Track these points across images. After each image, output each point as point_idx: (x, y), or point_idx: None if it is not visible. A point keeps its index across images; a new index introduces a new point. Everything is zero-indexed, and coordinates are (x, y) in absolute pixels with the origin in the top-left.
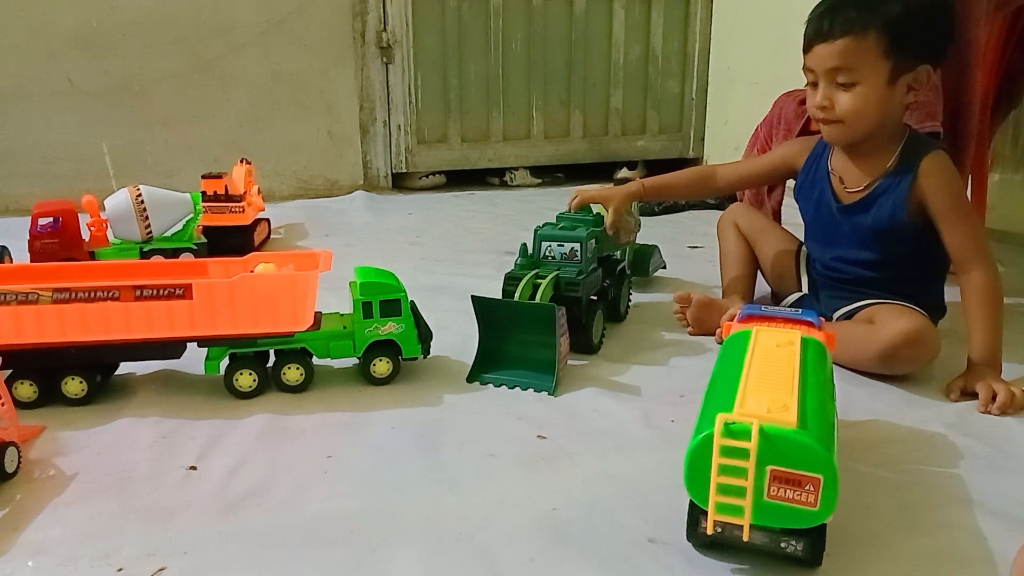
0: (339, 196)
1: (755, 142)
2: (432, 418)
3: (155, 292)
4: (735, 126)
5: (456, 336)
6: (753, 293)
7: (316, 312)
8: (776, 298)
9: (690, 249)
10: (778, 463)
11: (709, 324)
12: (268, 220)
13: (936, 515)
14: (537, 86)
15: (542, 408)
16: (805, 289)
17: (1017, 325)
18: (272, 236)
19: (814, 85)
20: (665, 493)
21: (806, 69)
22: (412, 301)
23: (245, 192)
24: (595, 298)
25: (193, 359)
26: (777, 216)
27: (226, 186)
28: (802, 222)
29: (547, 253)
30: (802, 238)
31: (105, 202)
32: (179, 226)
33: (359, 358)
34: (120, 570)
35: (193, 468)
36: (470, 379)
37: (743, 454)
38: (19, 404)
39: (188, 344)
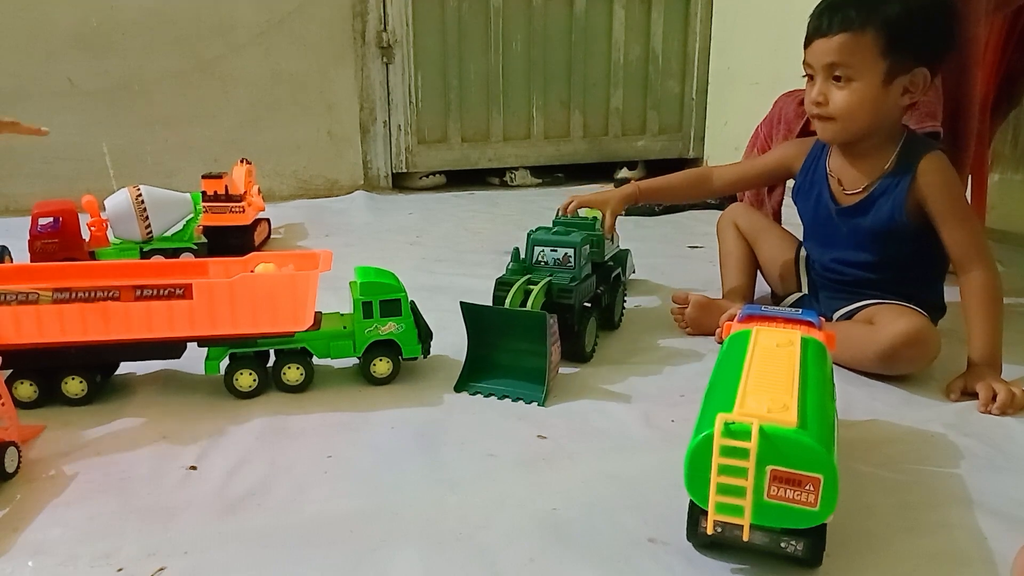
0: (339, 196)
1: (755, 142)
2: (432, 418)
3: (155, 292)
4: (735, 126)
5: (456, 336)
6: (753, 293)
7: (316, 312)
8: (776, 298)
9: (690, 249)
10: (778, 463)
11: (707, 325)
12: (268, 220)
13: (936, 515)
14: (537, 86)
15: (542, 408)
16: (805, 289)
17: (1017, 325)
18: (272, 236)
19: (811, 80)
20: (665, 493)
21: (805, 64)
22: (412, 301)
23: (245, 192)
24: (588, 305)
25: (193, 359)
26: (777, 216)
27: (226, 186)
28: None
29: (540, 258)
30: (801, 238)
31: (105, 202)
32: (179, 226)
33: (359, 358)
34: (120, 570)
35: (193, 468)
36: (458, 388)
37: (743, 454)
38: (19, 404)
39: (188, 344)
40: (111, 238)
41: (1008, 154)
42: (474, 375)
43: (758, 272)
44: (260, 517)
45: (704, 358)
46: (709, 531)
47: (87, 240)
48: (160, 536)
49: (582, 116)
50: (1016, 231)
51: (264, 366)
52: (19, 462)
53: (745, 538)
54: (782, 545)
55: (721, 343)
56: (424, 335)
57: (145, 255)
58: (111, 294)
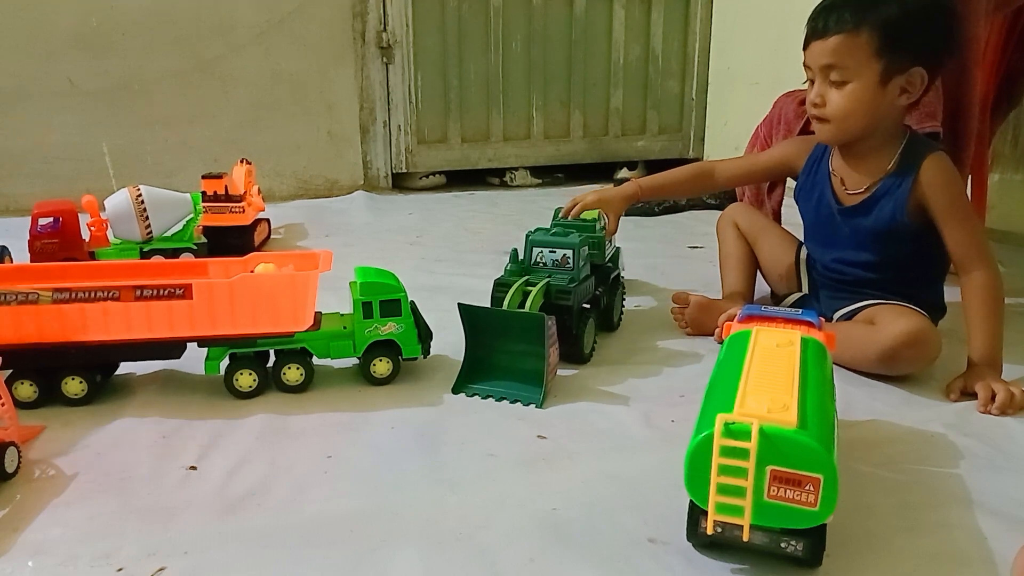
0: (339, 196)
1: (755, 142)
2: (432, 418)
3: (155, 292)
4: (735, 126)
5: (456, 336)
6: (753, 293)
7: (316, 312)
8: (776, 298)
9: (690, 249)
10: (778, 463)
11: (707, 325)
12: (268, 220)
13: (936, 515)
14: (537, 86)
15: (542, 409)
16: (805, 289)
17: (1017, 325)
18: (272, 236)
19: (812, 83)
20: (665, 493)
21: (805, 66)
22: (412, 301)
23: (245, 192)
24: (587, 307)
25: (193, 359)
26: (777, 216)
27: (226, 186)
28: (802, 222)
29: (538, 259)
30: (802, 238)
31: (105, 202)
32: (179, 226)
33: (359, 358)
34: (120, 570)
35: (193, 468)
36: (455, 390)
37: (743, 454)
38: (19, 404)
39: (188, 344)
40: (111, 238)
41: (1008, 154)
42: (472, 376)
43: (758, 272)
44: (260, 517)
45: (704, 358)
46: (709, 531)
47: (87, 240)
48: (160, 536)
49: (582, 116)
50: (1016, 231)
51: (264, 366)
52: (19, 462)
53: (745, 538)
54: (782, 545)
55: (721, 343)
56: (424, 335)
57: (145, 255)
58: (111, 294)
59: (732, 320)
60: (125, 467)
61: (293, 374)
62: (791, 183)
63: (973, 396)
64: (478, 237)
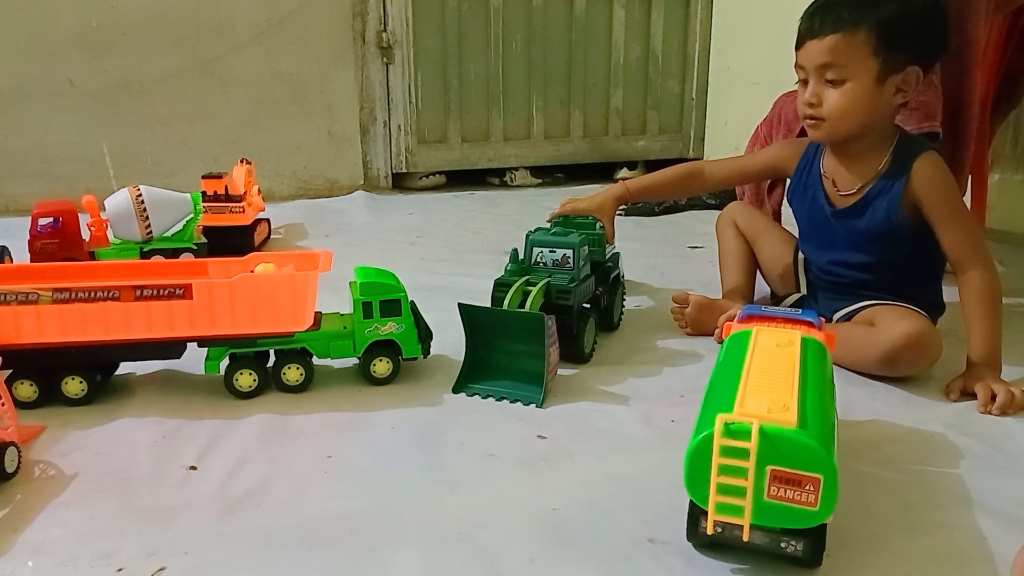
0: (339, 196)
1: (755, 142)
2: (432, 418)
3: (155, 292)
4: (735, 126)
5: (456, 336)
6: (753, 293)
7: (316, 312)
8: (776, 298)
9: (690, 249)
10: (778, 463)
11: (707, 325)
12: (268, 220)
13: (936, 515)
14: (537, 86)
15: (542, 409)
16: (803, 291)
17: (1017, 325)
18: (272, 236)
19: (804, 83)
20: (665, 493)
21: (797, 67)
22: (412, 301)
23: (245, 192)
24: (587, 306)
25: (193, 359)
26: (777, 216)
27: (226, 186)
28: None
29: (539, 259)
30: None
31: (105, 202)
32: (179, 226)
33: (359, 358)
34: (120, 570)
35: (193, 468)
36: (456, 390)
37: (743, 454)
38: (19, 404)
39: (188, 344)
40: (111, 238)
41: (1008, 154)
42: (472, 376)
43: (758, 271)
44: (260, 517)
45: (704, 358)
46: (709, 531)
47: (87, 240)
48: (160, 536)
49: (582, 116)
50: (1016, 231)
51: (264, 366)
52: (19, 462)
53: (745, 538)
54: (782, 545)
55: (721, 343)
56: (424, 335)
57: (145, 255)
58: (111, 294)
59: (732, 320)
60: (125, 467)
61: (293, 374)
62: (789, 184)
63: (973, 396)
64: (478, 237)
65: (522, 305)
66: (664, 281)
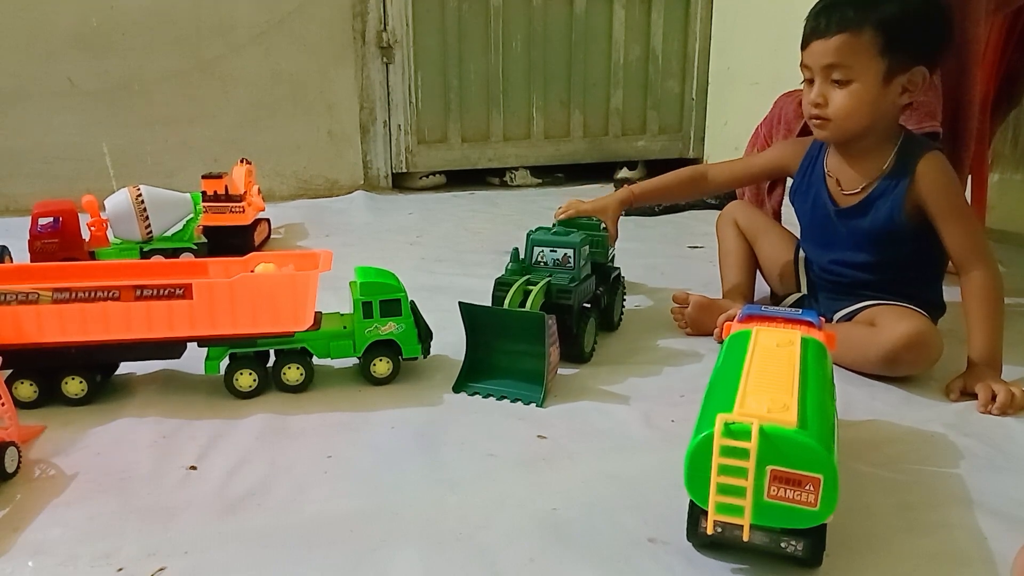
0: (339, 196)
1: (755, 142)
2: (432, 418)
3: (155, 292)
4: (735, 126)
5: (456, 336)
6: (753, 293)
7: (316, 312)
8: (776, 298)
9: (690, 249)
10: (778, 463)
11: (707, 325)
12: (268, 220)
13: (936, 515)
14: (537, 86)
15: (542, 408)
16: (804, 291)
17: (1017, 325)
18: (272, 236)
19: (810, 83)
20: (665, 493)
21: (803, 66)
22: (412, 301)
23: (245, 192)
24: (588, 306)
25: (193, 359)
26: (777, 216)
27: (226, 186)
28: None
29: (539, 258)
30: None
31: (105, 202)
32: (179, 226)
33: (359, 358)
34: (120, 570)
35: (193, 468)
36: (456, 389)
37: (743, 454)
38: (19, 404)
39: (188, 344)
40: (111, 238)
41: (1008, 154)
42: (472, 376)
43: (758, 271)
44: (260, 517)
45: (704, 358)
46: (709, 531)
47: (87, 240)
48: (160, 536)
49: (582, 116)
50: (1016, 231)
51: (264, 366)
52: (19, 462)
53: (745, 538)
54: (782, 545)
55: (721, 343)
56: (424, 335)
57: (145, 255)
58: (111, 294)
59: (732, 320)
60: (125, 467)
61: (293, 374)
62: (791, 183)
63: (973, 396)
64: (478, 237)
65: (523, 305)
66: (664, 281)
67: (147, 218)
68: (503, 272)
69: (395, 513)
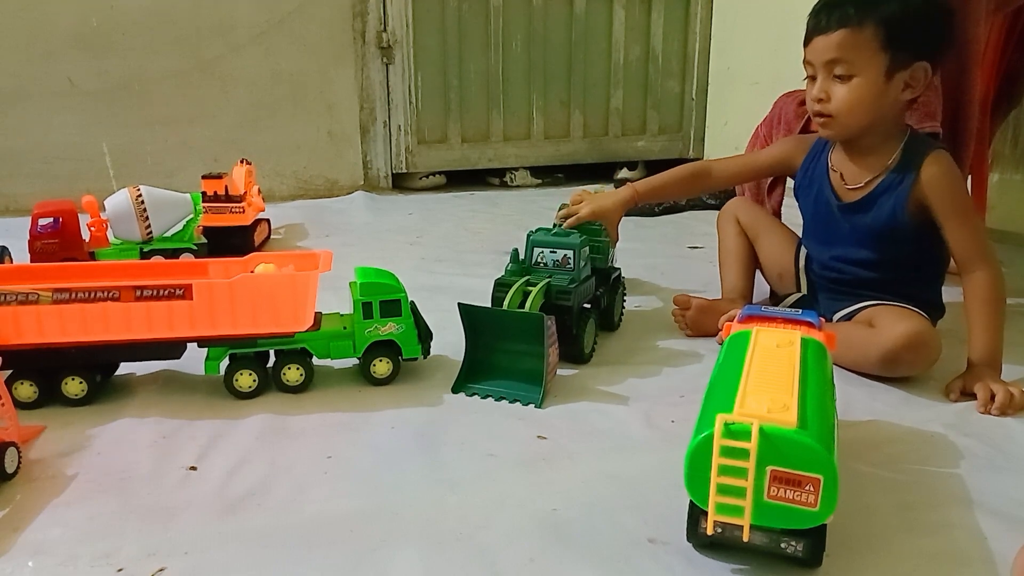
0: (339, 196)
1: (755, 142)
2: (432, 418)
3: (155, 292)
4: (735, 126)
5: (456, 336)
6: (752, 293)
7: (316, 312)
8: (776, 298)
9: (690, 249)
10: (778, 463)
11: (708, 327)
12: (268, 220)
13: (936, 515)
14: (537, 86)
15: (542, 409)
16: (804, 291)
17: (1017, 325)
18: (272, 236)
19: (812, 79)
20: (665, 493)
21: (806, 63)
22: (412, 301)
23: (245, 192)
24: (588, 307)
25: (193, 359)
26: (778, 215)
27: (226, 186)
28: (801, 221)
29: (539, 259)
30: (802, 237)
31: (105, 202)
32: (179, 226)
33: (359, 358)
34: (120, 570)
35: (193, 468)
36: (455, 389)
37: (743, 454)
38: (19, 404)
39: (188, 344)
40: (111, 238)
41: (1008, 154)
42: (472, 376)
43: (758, 271)
44: (260, 517)
45: (704, 358)
46: (709, 531)
47: (87, 240)
48: (160, 536)
49: (582, 116)
50: (1016, 231)
51: (264, 366)
52: (19, 462)
53: (745, 538)
54: (782, 545)
55: (721, 344)
56: (424, 335)
57: (145, 255)
58: (111, 294)
59: (732, 320)
60: (125, 467)
61: (293, 374)
62: (791, 183)
63: (973, 396)
64: (478, 237)
65: (522, 305)
66: (664, 281)
67: (147, 218)
68: (503, 272)
69: (395, 513)
